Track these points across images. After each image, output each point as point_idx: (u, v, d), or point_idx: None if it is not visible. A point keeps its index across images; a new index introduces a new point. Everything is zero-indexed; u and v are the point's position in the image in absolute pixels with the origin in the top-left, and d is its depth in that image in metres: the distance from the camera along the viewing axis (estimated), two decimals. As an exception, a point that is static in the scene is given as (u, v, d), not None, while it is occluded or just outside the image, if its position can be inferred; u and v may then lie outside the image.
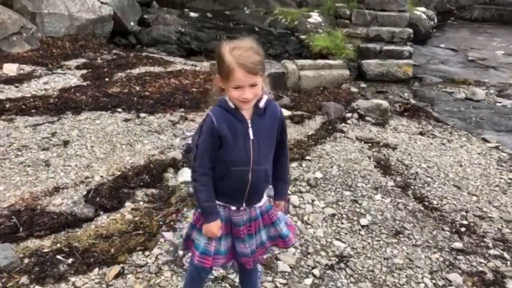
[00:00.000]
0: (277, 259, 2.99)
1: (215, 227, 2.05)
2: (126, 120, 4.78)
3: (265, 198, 2.17)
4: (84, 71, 6.17)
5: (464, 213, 3.79)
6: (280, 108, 2.14)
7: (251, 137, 2.00)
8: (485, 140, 5.41)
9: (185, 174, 3.83)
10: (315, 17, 9.21)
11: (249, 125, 2.00)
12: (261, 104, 2.01)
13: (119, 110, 5.00)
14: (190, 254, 2.34)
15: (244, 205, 2.09)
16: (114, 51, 7.31)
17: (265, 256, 2.60)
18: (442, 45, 10.09)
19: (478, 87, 7.60)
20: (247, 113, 2.00)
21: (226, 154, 1.98)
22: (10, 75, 5.69)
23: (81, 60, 6.63)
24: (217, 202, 2.07)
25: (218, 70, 1.94)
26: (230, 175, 2.00)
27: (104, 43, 7.70)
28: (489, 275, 3.06)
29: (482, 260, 3.22)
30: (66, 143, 4.22)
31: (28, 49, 6.64)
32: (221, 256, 2.14)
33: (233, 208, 2.09)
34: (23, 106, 4.85)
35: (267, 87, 2.03)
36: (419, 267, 3.07)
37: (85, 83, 5.72)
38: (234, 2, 10.55)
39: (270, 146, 2.08)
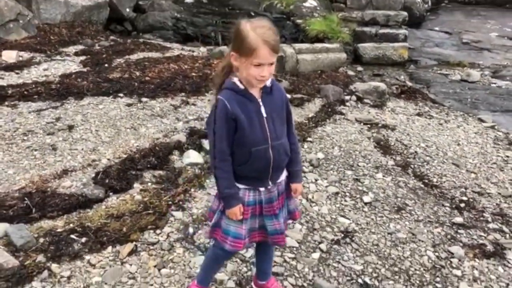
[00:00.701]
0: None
1: (238, 210, 2.08)
2: (129, 105, 4.82)
3: (285, 172, 2.23)
4: (83, 58, 6.19)
5: (463, 189, 3.89)
6: (283, 88, 2.21)
7: (264, 115, 2.04)
8: (481, 120, 5.51)
9: (191, 156, 3.90)
10: (310, 1, 9.22)
11: (260, 103, 2.05)
12: (268, 83, 2.07)
13: (121, 95, 5.04)
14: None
15: (270, 183, 2.13)
16: (111, 37, 7.32)
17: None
18: (437, 28, 10.16)
19: (473, 68, 7.70)
20: (255, 92, 2.04)
21: (244, 135, 2.00)
22: (10, 62, 5.70)
23: (79, 47, 6.63)
24: (245, 186, 2.10)
25: (236, 47, 1.95)
26: (252, 157, 2.03)
27: (101, 30, 7.70)
28: (490, 247, 3.17)
29: (482, 234, 3.33)
30: (70, 127, 4.26)
31: (25, 36, 6.63)
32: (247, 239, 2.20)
33: (262, 189, 2.13)
34: (25, 92, 4.87)
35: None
36: (422, 241, 3.17)
37: (85, 69, 5.74)
38: (229, -13, 10.50)
39: (282, 122, 2.14)
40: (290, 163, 2.22)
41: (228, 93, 2.00)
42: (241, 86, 2.01)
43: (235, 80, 2.02)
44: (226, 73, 2.06)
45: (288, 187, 2.26)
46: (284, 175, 2.22)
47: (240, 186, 2.10)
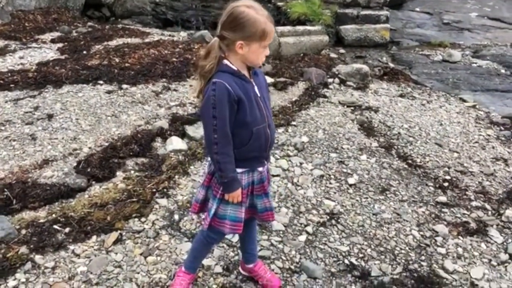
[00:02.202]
0: (271, 219, 3.07)
1: (240, 193, 2.09)
2: (109, 92, 4.73)
3: None
4: (60, 45, 6.04)
5: (446, 169, 3.93)
6: None
7: (258, 94, 2.06)
8: (462, 100, 5.55)
9: (174, 142, 3.85)
10: (291, -17, 9.11)
11: (254, 83, 2.06)
12: None
13: (101, 82, 4.94)
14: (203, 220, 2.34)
15: (265, 162, 2.17)
16: (89, 23, 7.15)
17: None
18: (418, 9, 10.16)
19: (454, 49, 7.74)
20: (246, 74, 2.04)
21: (246, 116, 1.98)
22: (-16, 50, 5.54)
23: (56, 34, 6.47)
24: (243, 170, 2.08)
25: (246, 35, 1.91)
26: (253, 137, 2.03)
27: (78, 16, 7.52)
28: (473, 225, 3.21)
29: (465, 212, 3.37)
30: (50, 116, 4.17)
31: (-1, 24, 6.44)
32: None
33: (260, 169, 2.15)
34: (1, 81, 4.75)
35: None
36: (407, 221, 3.20)
37: (63, 57, 5.61)
38: (209, -30, 10.33)
39: (269, 101, 2.18)
40: None
41: (225, 75, 1.96)
42: (235, 68, 1.99)
43: (227, 62, 2.00)
44: (219, 60, 2.00)
45: None
46: None
47: (238, 170, 2.07)
